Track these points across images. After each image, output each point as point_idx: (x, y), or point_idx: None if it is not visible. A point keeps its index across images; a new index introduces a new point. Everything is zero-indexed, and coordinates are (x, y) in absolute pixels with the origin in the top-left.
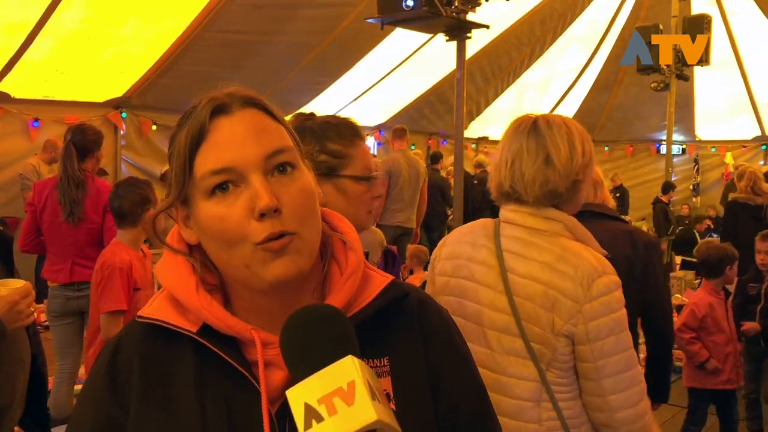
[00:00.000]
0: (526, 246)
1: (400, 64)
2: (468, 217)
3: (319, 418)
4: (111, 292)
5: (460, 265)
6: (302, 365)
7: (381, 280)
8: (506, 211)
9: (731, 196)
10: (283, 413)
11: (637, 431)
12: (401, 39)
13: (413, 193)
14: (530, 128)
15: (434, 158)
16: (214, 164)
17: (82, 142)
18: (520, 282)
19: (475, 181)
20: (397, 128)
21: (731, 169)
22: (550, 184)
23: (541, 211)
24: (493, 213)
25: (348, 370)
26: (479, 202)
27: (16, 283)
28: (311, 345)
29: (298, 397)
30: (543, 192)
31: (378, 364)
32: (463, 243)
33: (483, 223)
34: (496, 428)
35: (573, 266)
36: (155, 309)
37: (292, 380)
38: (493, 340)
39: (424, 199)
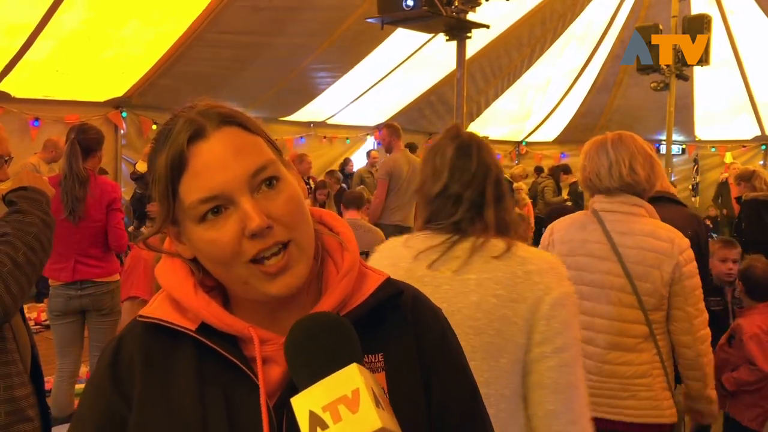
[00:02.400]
0: (629, 224)
1: (400, 64)
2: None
3: (324, 426)
4: (130, 279)
5: (575, 246)
6: (306, 373)
7: (376, 277)
8: (601, 203)
9: (747, 195)
10: (281, 407)
11: (705, 350)
12: (402, 40)
13: (412, 192)
14: (630, 139)
15: None
16: (201, 193)
17: (86, 141)
18: (630, 252)
19: None
20: (393, 127)
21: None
22: (654, 181)
23: (629, 200)
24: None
25: (352, 377)
26: None
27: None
28: (316, 353)
29: (303, 404)
30: (650, 186)
31: (373, 360)
32: (573, 230)
33: (584, 214)
34: (486, 426)
35: (664, 234)
36: (155, 308)
37: (296, 388)
38: (614, 298)
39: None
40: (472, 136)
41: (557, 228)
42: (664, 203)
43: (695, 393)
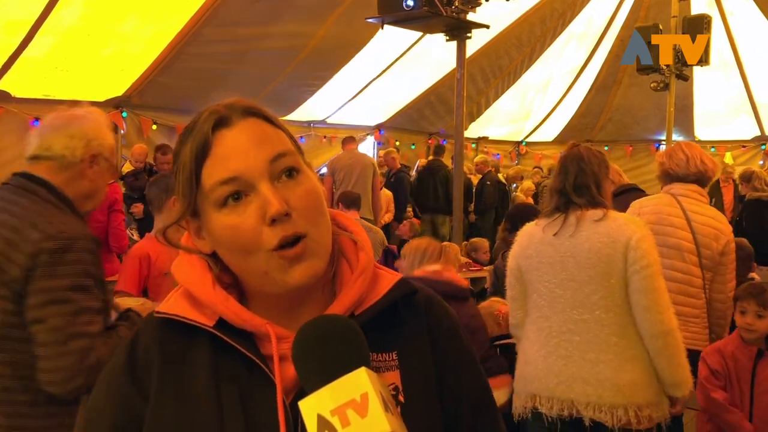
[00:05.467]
0: (699, 206)
1: (400, 56)
2: (478, 214)
3: (332, 430)
4: (121, 275)
5: (662, 218)
6: (315, 377)
7: (390, 277)
8: (678, 189)
9: (750, 195)
10: (297, 404)
11: (731, 306)
12: (399, 32)
13: (357, 185)
14: (696, 144)
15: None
16: (222, 174)
17: None
18: (699, 227)
19: (488, 182)
20: (346, 137)
21: (730, 169)
22: (713, 173)
23: (698, 189)
24: (497, 212)
25: (361, 381)
26: (490, 203)
27: (136, 300)
28: (324, 356)
29: (311, 408)
30: (712, 175)
31: (387, 358)
32: (661, 205)
33: (666, 196)
34: (496, 416)
35: (721, 217)
36: (172, 305)
37: (304, 391)
38: (686, 257)
39: (376, 194)
40: (571, 150)
41: (645, 204)
42: (635, 191)
43: (717, 335)
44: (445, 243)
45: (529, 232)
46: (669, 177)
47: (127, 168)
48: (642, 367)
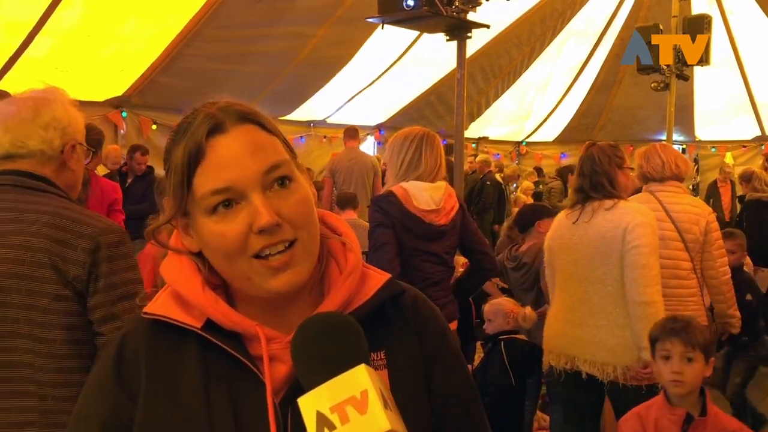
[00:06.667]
0: (675, 197)
1: (401, 57)
2: (477, 214)
3: (332, 427)
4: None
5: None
6: (314, 373)
7: (378, 278)
8: (655, 186)
9: (750, 195)
10: (286, 404)
11: (726, 280)
12: (398, 32)
13: (357, 187)
14: (670, 146)
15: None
16: (215, 184)
17: (87, 142)
18: (678, 215)
19: (488, 182)
20: (348, 128)
21: (728, 169)
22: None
23: (674, 183)
24: (497, 212)
25: (361, 379)
26: (489, 203)
27: None
28: (323, 353)
29: (310, 405)
30: (687, 175)
31: (375, 358)
32: (645, 203)
33: (645, 194)
34: (484, 420)
35: (698, 203)
36: (160, 306)
37: (303, 388)
38: (671, 244)
39: (376, 193)
40: (586, 152)
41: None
42: None
43: (721, 312)
44: (427, 131)
45: (559, 219)
46: (645, 179)
47: (101, 171)
48: (631, 333)
